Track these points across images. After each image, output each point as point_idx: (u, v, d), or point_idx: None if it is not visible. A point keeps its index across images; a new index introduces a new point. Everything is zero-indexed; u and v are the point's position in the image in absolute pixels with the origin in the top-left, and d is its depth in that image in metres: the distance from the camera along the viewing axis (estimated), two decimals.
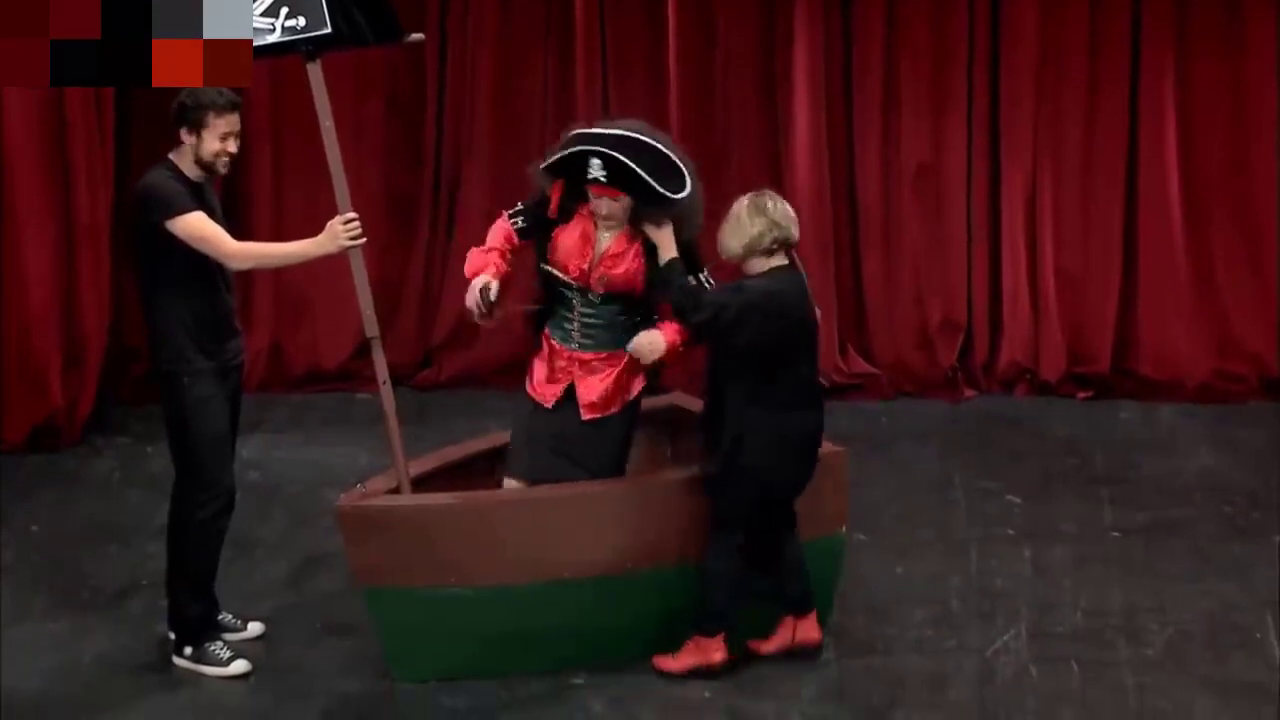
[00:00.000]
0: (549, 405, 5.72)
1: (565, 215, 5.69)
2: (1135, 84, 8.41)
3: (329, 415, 8.34)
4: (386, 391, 5.72)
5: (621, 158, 5.44)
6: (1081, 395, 8.50)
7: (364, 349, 7.16)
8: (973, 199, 8.57)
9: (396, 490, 5.71)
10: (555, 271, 5.71)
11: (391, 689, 5.66)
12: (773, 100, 8.59)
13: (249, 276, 8.03)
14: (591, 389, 5.70)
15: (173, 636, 5.85)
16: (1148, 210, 8.48)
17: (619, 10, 8.52)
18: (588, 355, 5.72)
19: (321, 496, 6.98)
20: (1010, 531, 6.87)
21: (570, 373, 5.74)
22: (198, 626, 5.81)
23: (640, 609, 5.71)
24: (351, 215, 5.57)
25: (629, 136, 5.52)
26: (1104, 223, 8.52)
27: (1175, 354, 8.45)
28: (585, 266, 5.66)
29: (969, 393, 8.53)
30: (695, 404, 6.54)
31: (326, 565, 6.52)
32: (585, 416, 5.70)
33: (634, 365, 5.71)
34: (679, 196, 5.50)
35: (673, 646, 5.71)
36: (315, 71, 5.59)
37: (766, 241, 5.56)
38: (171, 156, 5.62)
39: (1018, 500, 7.17)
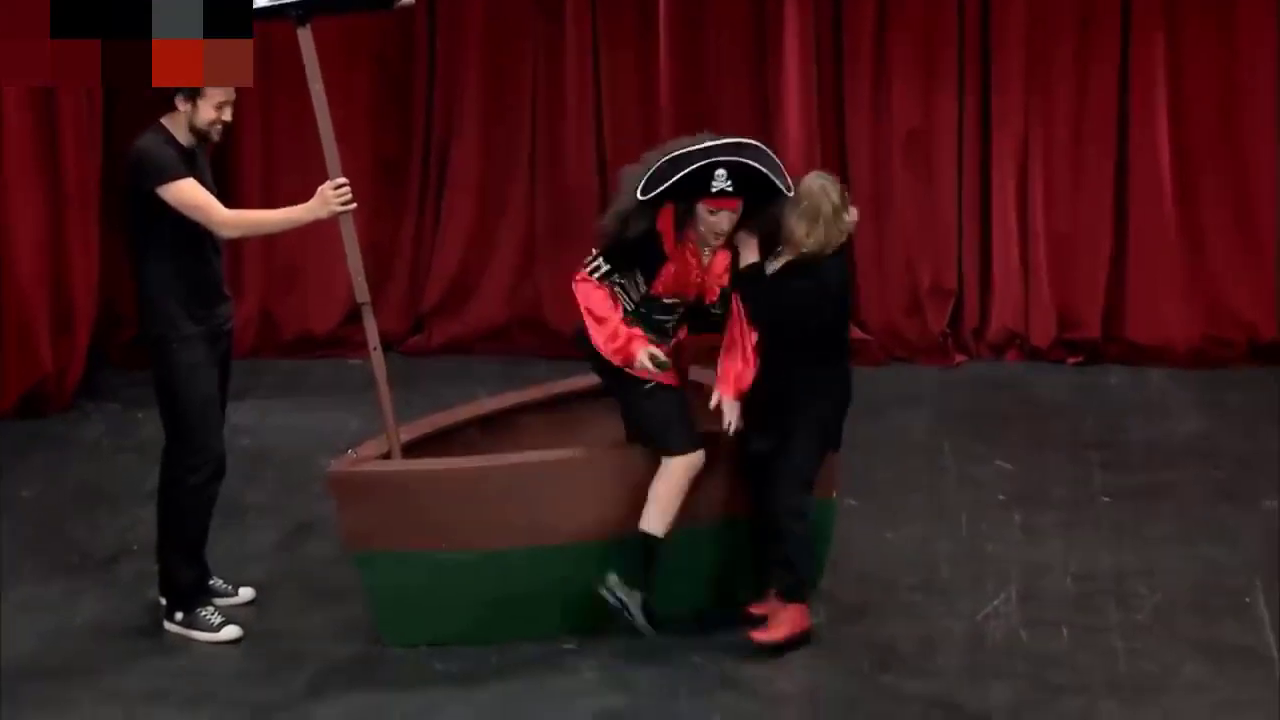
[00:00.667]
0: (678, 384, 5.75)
1: (659, 244, 5.56)
2: (1126, 49, 8.38)
3: (320, 381, 8.33)
4: (377, 357, 5.71)
5: (748, 162, 5.43)
6: (1072, 360, 8.50)
7: (355, 315, 7.16)
8: (964, 165, 8.56)
9: (387, 456, 5.71)
10: (675, 301, 5.64)
11: (382, 654, 5.65)
12: (763, 67, 8.56)
13: (239, 242, 7.98)
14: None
15: (164, 602, 5.85)
16: (1138, 176, 8.47)
17: None
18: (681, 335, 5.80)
19: (313, 462, 6.97)
20: (1001, 496, 6.87)
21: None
22: (189, 591, 5.81)
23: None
24: (342, 181, 5.55)
25: (741, 143, 5.51)
26: (1094, 188, 8.51)
27: (1165, 319, 8.44)
28: (700, 285, 5.64)
29: (960, 358, 8.53)
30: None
31: (317, 531, 6.52)
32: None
33: None
34: (791, 192, 5.52)
35: (668, 612, 5.71)
36: (305, 36, 5.56)
37: (836, 244, 5.58)
38: (164, 122, 5.59)
39: (1008, 465, 7.18)
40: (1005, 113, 8.47)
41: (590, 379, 6.42)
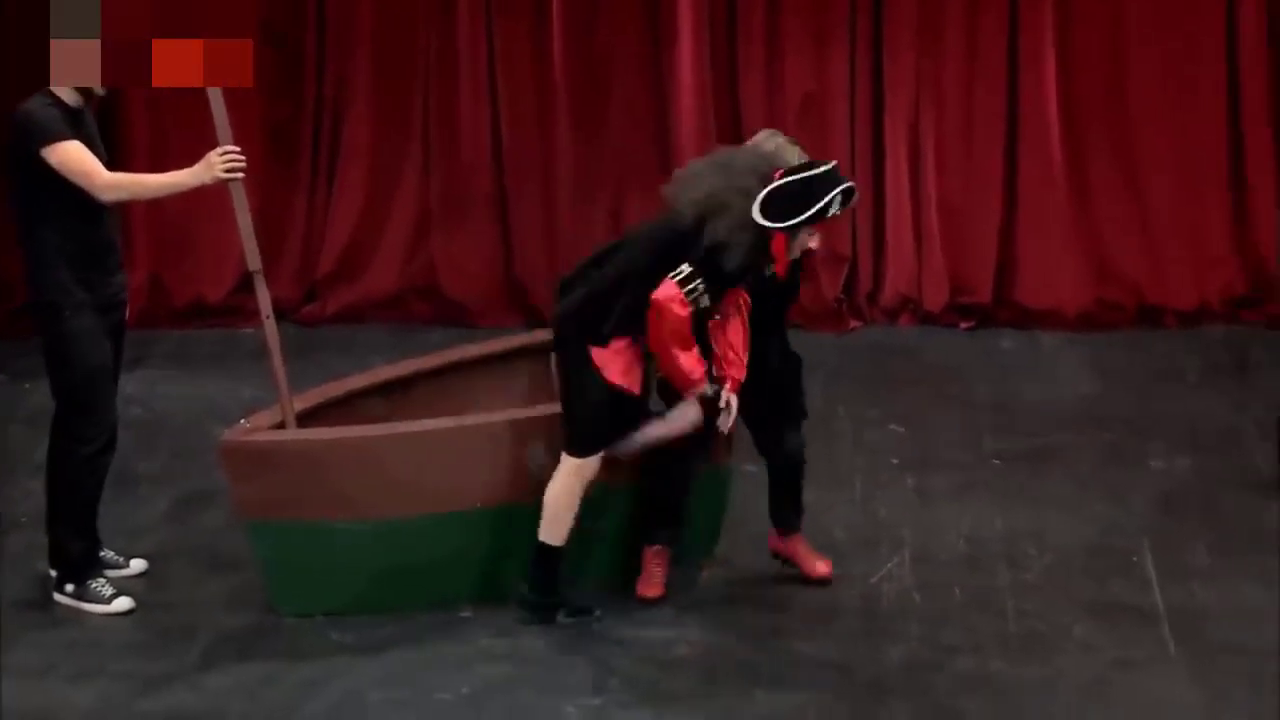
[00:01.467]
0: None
1: (764, 264, 5.42)
2: (1015, 13, 8.44)
3: (212, 350, 8.24)
4: (270, 326, 5.65)
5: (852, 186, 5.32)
6: (964, 325, 8.57)
7: (247, 283, 7.06)
8: (855, 131, 8.58)
9: (281, 425, 5.65)
10: None
11: (276, 624, 5.61)
12: (657, 34, 8.54)
13: (128, 209, 7.87)
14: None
15: (54, 574, 5.77)
16: (1028, 141, 8.54)
17: None
18: None
19: (205, 432, 6.89)
20: (894, 460, 6.92)
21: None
22: (79, 564, 5.73)
23: (531, 541, 5.69)
24: (230, 147, 5.47)
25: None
26: (985, 153, 8.57)
27: (1055, 283, 8.52)
28: None
29: (854, 324, 8.57)
30: None
31: (210, 501, 6.45)
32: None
33: None
34: None
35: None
36: None
37: None
38: (51, 86, 5.49)
39: (901, 429, 7.22)
40: (897, 77, 8.51)
41: (483, 347, 6.41)
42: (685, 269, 5.24)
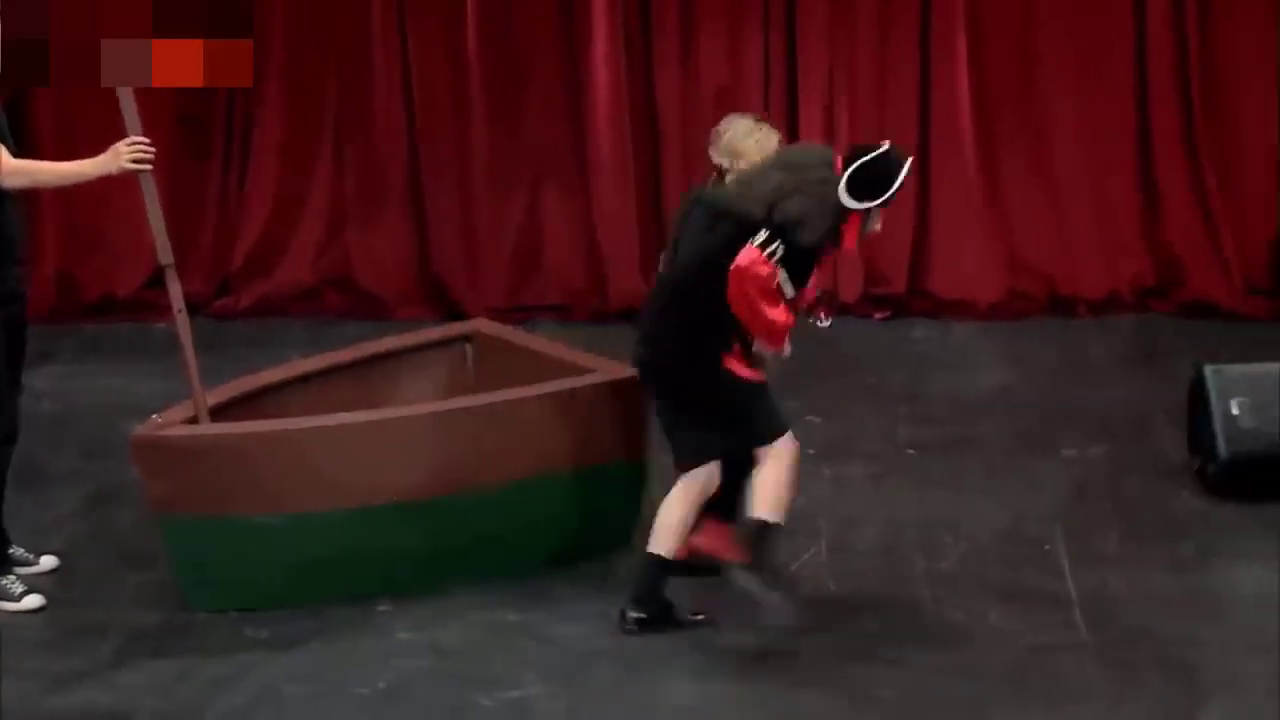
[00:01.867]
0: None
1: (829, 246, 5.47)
2: (926, 6, 8.49)
3: (123, 345, 8.16)
4: (182, 320, 5.59)
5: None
6: (879, 315, 8.61)
7: (158, 277, 7.00)
8: (770, 122, 8.57)
9: (194, 420, 5.60)
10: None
11: (190, 620, 5.55)
12: (571, 26, 8.53)
13: (35, 201, 7.78)
14: None
15: None
16: (940, 132, 8.59)
17: None
18: None
19: (116, 427, 6.80)
20: (810, 451, 6.91)
21: None
22: None
23: (446, 534, 5.68)
24: (138, 138, 5.40)
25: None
26: (898, 143, 8.57)
27: (968, 274, 8.59)
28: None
29: None
30: (499, 329, 6.51)
31: (122, 497, 6.38)
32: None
33: None
34: None
35: (482, 573, 5.68)
36: None
37: None
38: None
39: (817, 420, 7.25)
40: (810, 68, 8.53)
41: (400, 340, 6.38)
42: (762, 234, 5.29)
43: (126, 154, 5.38)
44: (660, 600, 5.52)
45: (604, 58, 8.48)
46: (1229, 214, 8.52)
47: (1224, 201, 8.52)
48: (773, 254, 5.30)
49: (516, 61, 8.57)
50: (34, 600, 5.62)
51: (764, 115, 5.83)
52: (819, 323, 5.69)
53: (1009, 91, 8.57)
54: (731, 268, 5.29)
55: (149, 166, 5.42)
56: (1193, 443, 6.60)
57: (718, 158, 5.59)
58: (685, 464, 5.51)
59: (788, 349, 5.53)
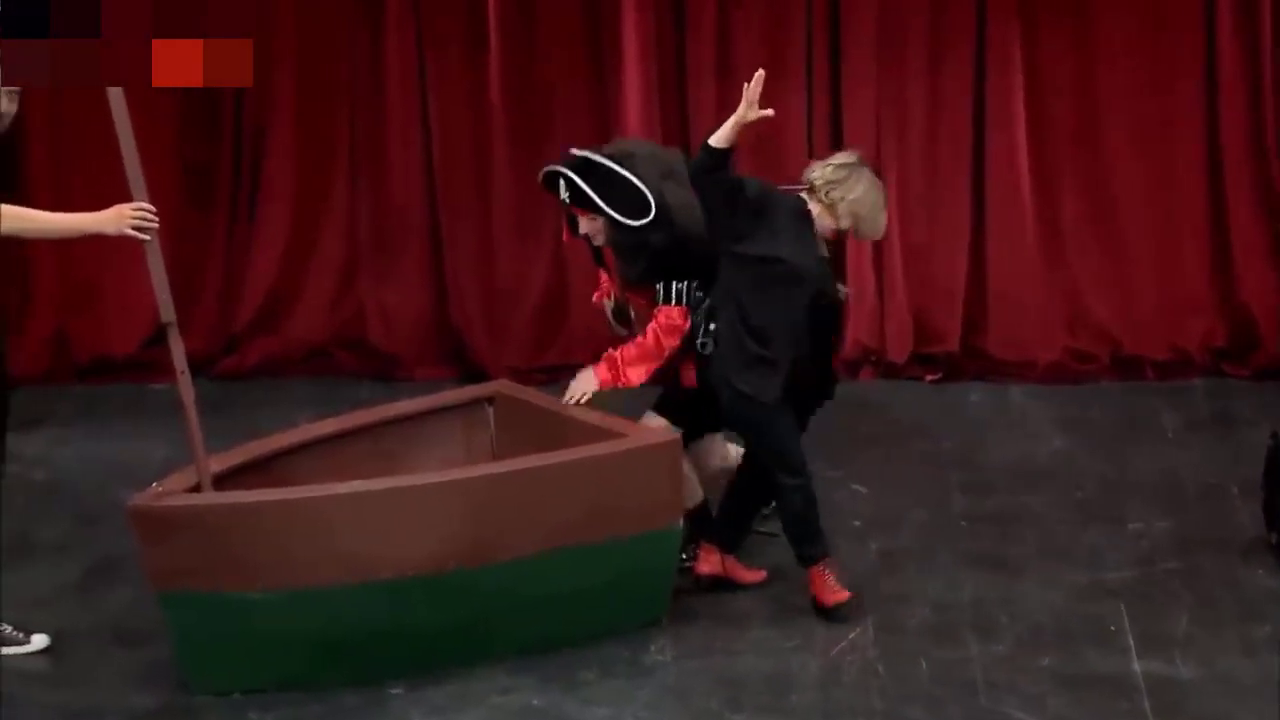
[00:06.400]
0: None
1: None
2: (981, 47, 8.51)
3: (121, 408, 8.22)
4: (185, 381, 5.64)
5: (576, 179, 6.09)
6: (929, 377, 8.62)
7: (160, 335, 7.07)
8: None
9: (196, 488, 5.65)
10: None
11: (191, 704, 5.59)
12: (600, 68, 8.59)
13: (31, 256, 7.86)
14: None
15: None
16: (996, 182, 8.60)
17: None
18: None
19: (113, 495, 6.85)
20: (856, 522, 6.96)
21: None
22: None
23: (464, 611, 5.71)
24: (145, 205, 5.45)
25: (594, 160, 6.12)
26: (951, 197, 8.64)
27: (1025, 333, 8.59)
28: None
29: None
30: (522, 390, 6.56)
31: (119, 570, 6.43)
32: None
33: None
34: (632, 223, 6.08)
35: (503, 653, 5.71)
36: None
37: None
38: None
39: (863, 489, 7.27)
40: (856, 115, 8.56)
41: (416, 403, 6.44)
42: None
43: (130, 219, 5.42)
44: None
45: (635, 95, 8.52)
46: None
47: None
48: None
49: (542, 104, 8.63)
50: (40, 640, 5.68)
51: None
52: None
53: (1069, 136, 8.59)
54: None
55: (149, 237, 5.46)
56: (1269, 516, 6.59)
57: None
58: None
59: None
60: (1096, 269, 8.64)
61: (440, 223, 8.70)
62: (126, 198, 5.46)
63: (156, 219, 5.46)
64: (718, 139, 5.85)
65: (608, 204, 6.09)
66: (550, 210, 8.66)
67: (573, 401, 6.17)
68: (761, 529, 6.60)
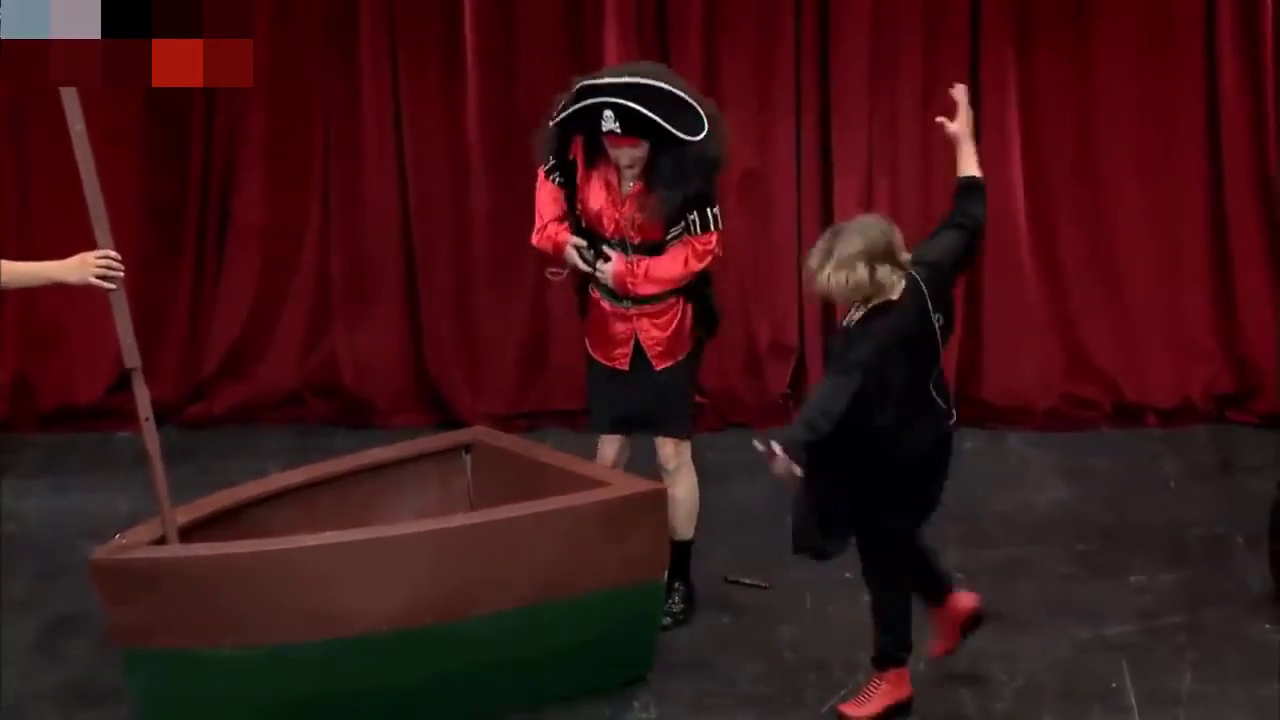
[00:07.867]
0: (625, 367, 6.32)
1: (586, 166, 6.26)
2: (975, 82, 8.52)
3: (84, 457, 8.20)
4: (149, 429, 5.63)
5: (635, 105, 5.95)
6: None
7: (124, 381, 7.05)
8: (803, 210, 8.64)
9: (162, 541, 5.63)
10: (592, 245, 6.27)
11: None
12: None
13: None
14: (657, 339, 6.31)
15: None
16: (991, 223, 8.58)
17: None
18: (646, 307, 6.28)
19: (75, 549, 6.85)
20: (848, 575, 6.93)
21: (632, 328, 6.31)
22: None
23: (440, 667, 5.69)
24: (111, 253, 5.44)
25: (640, 83, 6.02)
26: None
27: (1023, 378, 8.59)
28: (618, 218, 6.21)
29: None
30: (500, 438, 6.54)
31: (81, 627, 6.40)
32: (658, 366, 6.32)
33: (690, 308, 6.34)
34: (696, 139, 6.01)
35: (481, 711, 5.69)
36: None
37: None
38: None
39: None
40: (846, 152, 8.56)
41: (391, 451, 6.42)
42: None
43: (95, 268, 5.41)
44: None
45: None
46: None
47: None
48: (549, 175, 6.42)
49: (522, 140, 8.60)
50: None
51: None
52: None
53: (1067, 173, 8.59)
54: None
55: (114, 286, 5.45)
56: (1276, 569, 6.59)
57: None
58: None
59: (574, 257, 6.34)
60: (1095, 311, 8.64)
61: (416, 264, 8.69)
62: (90, 240, 5.45)
63: (122, 267, 5.45)
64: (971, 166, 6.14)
65: (668, 121, 6.01)
66: (529, 252, 8.68)
67: (582, 268, 6.22)
68: (744, 580, 6.57)
